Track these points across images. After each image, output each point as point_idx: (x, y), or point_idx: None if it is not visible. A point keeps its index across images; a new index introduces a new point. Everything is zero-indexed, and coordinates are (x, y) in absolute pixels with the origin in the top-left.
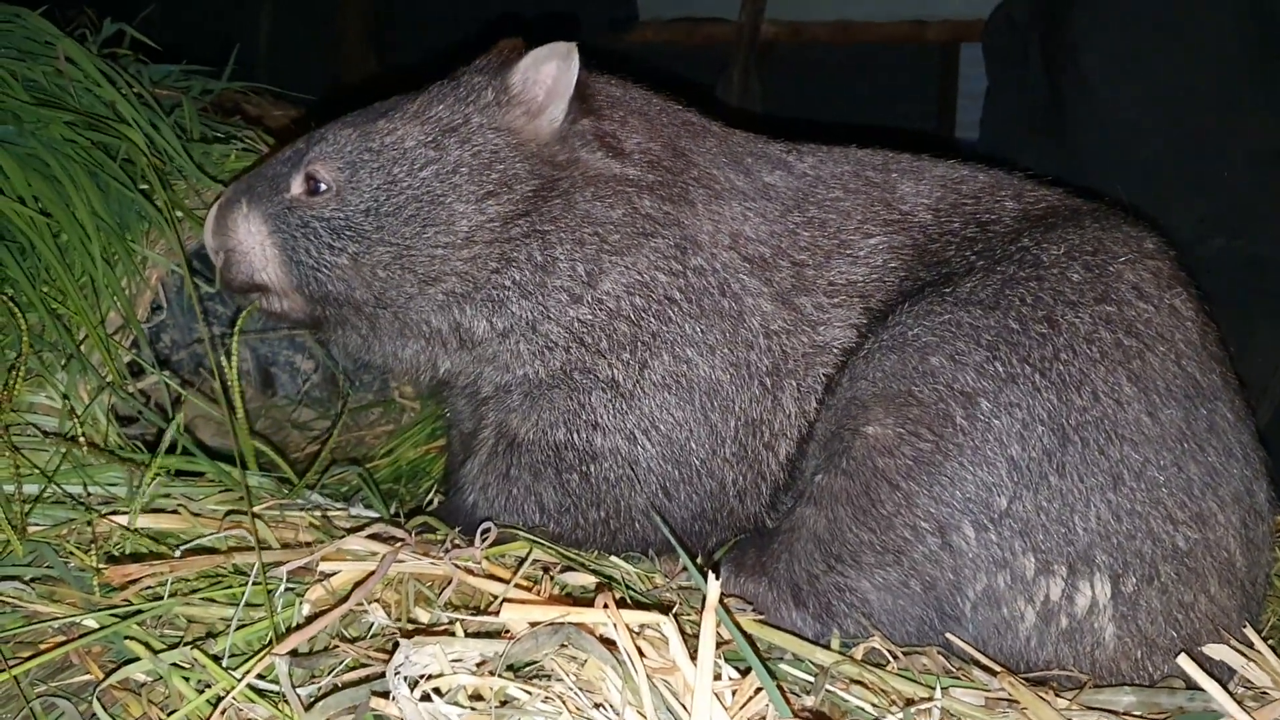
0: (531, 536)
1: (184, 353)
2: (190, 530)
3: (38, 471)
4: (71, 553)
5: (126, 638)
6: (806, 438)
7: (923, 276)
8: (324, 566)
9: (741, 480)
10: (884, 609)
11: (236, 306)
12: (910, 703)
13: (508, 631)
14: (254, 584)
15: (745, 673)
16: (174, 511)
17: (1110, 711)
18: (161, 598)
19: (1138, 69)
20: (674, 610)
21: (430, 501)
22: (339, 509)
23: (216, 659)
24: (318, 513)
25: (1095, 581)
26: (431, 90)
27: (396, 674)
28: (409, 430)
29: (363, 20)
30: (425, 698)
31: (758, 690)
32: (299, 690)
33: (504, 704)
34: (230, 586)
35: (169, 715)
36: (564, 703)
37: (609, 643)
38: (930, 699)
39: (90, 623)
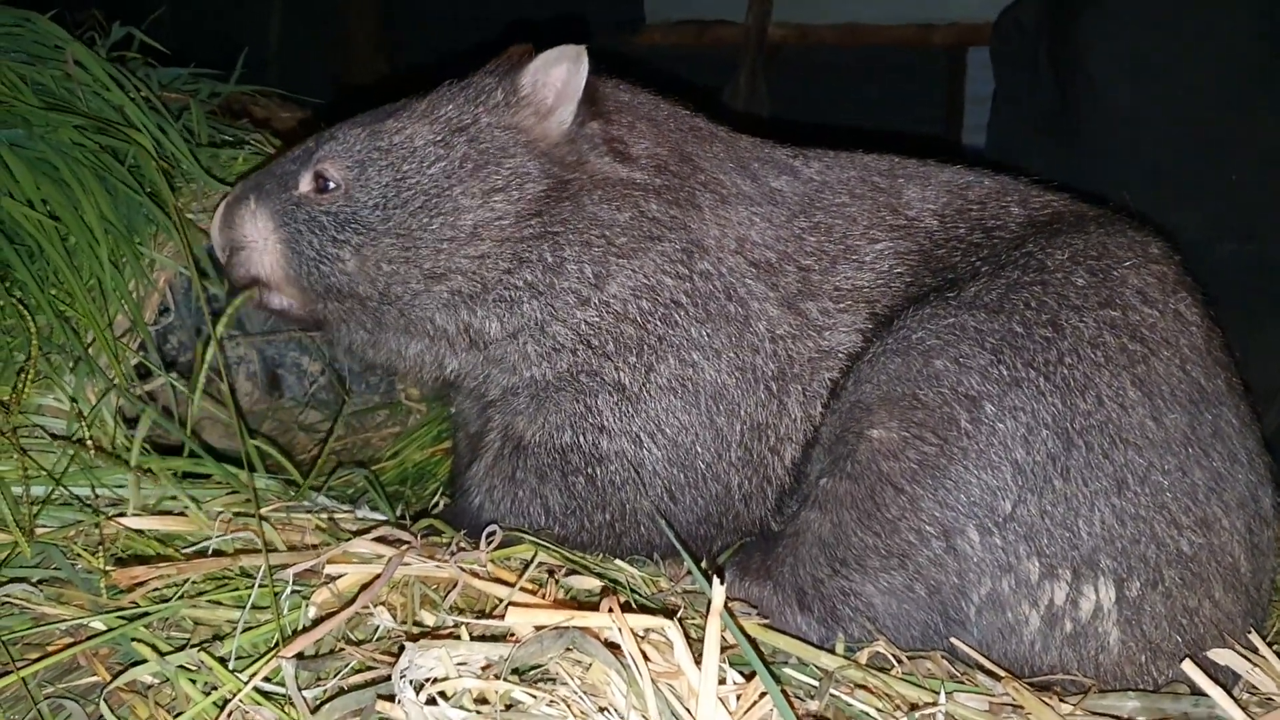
0: (537, 539)
1: (191, 354)
2: (197, 532)
3: (45, 473)
4: (79, 555)
5: (133, 640)
6: (812, 442)
7: (928, 282)
8: (330, 569)
9: (747, 484)
10: (888, 613)
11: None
12: (915, 707)
13: (513, 635)
14: (260, 587)
15: (750, 677)
16: (180, 513)
17: (1115, 717)
18: (169, 600)
19: (1146, 72)
20: (679, 614)
21: (436, 504)
22: (345, 511)
23: (223, 661)
24: (324, 515)
25: (1100, 586)
26: (440, 91)
27: (402, 677)
28: (415, 432)
29: (369, 22)
30: (431, 701)
31: (762, 695)
32: (305, 693)
33: (509, 707)
34: (237, 589)
35: (176, 717)
36: (569, 706)
37: (614, 647)
38: (934, 704)
39: (98, 624)
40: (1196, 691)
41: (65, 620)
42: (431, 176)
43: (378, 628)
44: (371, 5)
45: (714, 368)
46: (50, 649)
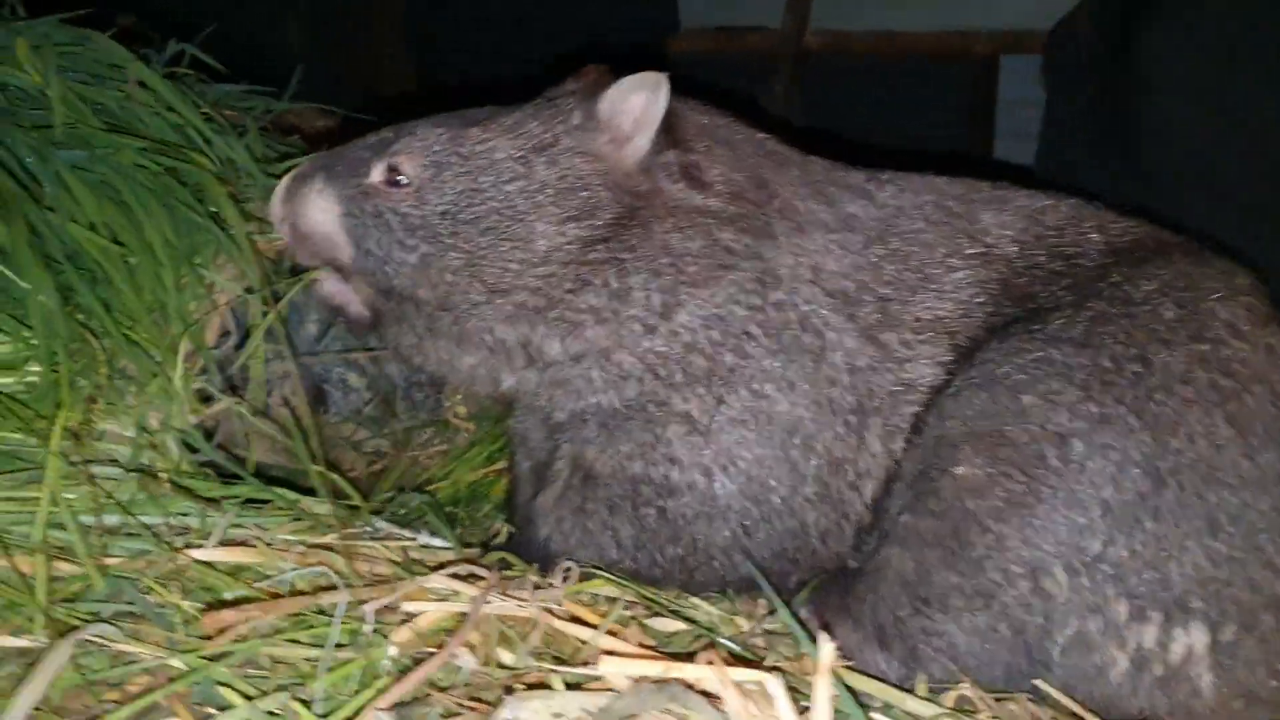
0: (611, 575)
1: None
2: (267, 564)
3: (114, 503)
4: (151, 588)
5: (219, 683)
6: (893, 477)
7: (1009, 312)
8: (408, 606)
9: (824, 521)
10: (971, 653)
11: (303, 326)
12: None
13: (601, 680)
14: (340, 624)
15: None
16: (246, 543)
17: None
18: (245, 637)
19: (1209, 93)
20: (766, 659)
21: (498, 532)
22: (407, 538)
23: (306, 704)
24: (391, 543)
25: (1191, 629)
26: (526, 108)
27: None
28: (466, 452)
29: (396, 31)
30: None
31: None
32: None
33: None
34: (313, 626)
35: None
36: None
37: (708, 694)
38: None
39: (177, 664)
40: None
41: (145, 660)
42: (507, 195)
43: (460, 669)
44: (397, 13)
45: (788, 400)
46: (130, 689)
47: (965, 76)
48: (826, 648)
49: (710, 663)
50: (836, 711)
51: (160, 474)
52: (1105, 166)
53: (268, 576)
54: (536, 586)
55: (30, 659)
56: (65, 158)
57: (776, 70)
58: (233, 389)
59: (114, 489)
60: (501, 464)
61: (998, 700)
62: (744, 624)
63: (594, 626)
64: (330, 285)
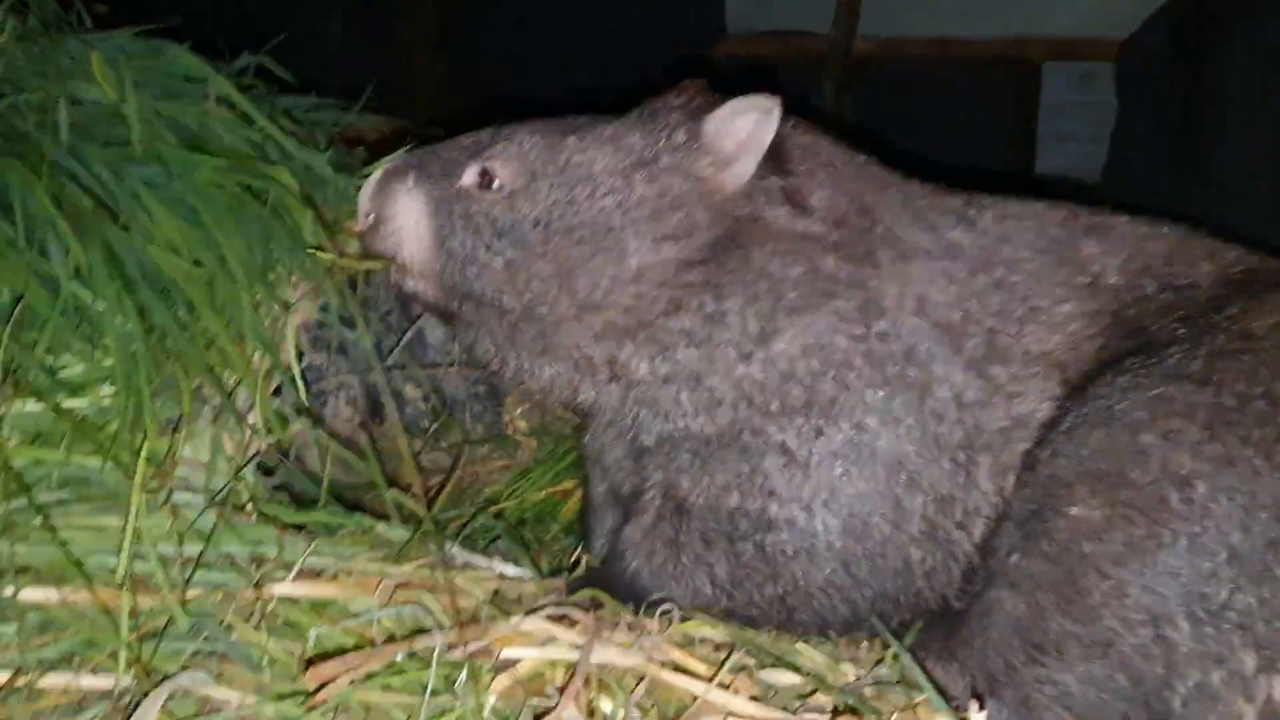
0: (710, 617)
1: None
2: (351, 599)
3: (195, 533)
4: (234, 625)
5: None
6: (1002, 516)
7: (1120, 346)
8: (505, 652)
9: (930, 560)
10: (1087, 702)
11: (378, 340)
12: None
13: None
14: (436, 669)
15: None
16: (325, 572)
17: None
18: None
19: None
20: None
21: (570, 554)
22: (490, 569)
23: None
24: (473, 572)
25: None
26: (626, 120)
27: None
28: (531, 470)
29: (431, 39)
30: None
31: None
32: None
33: None
34: (404, 670)
35: None
36: None
37: None
38: None
39: (269, 712)
40: None
41: (235, 708)
42: (603, 209)
43: None
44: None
45: (892, 435)
46: None
47: (1010, 83)
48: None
49: None
50: None
51: (236, 501)
52: (1176, 178)
53: (353, 615)
54: (629, 627)
55: (113, 700)
56: (142, 176)
57: (825, 76)
58: (305, 409)
59: (192, 517)
60: (569, 484)
61: None
62: (850, 671)
63: (703, 678)
64: (408, 279)
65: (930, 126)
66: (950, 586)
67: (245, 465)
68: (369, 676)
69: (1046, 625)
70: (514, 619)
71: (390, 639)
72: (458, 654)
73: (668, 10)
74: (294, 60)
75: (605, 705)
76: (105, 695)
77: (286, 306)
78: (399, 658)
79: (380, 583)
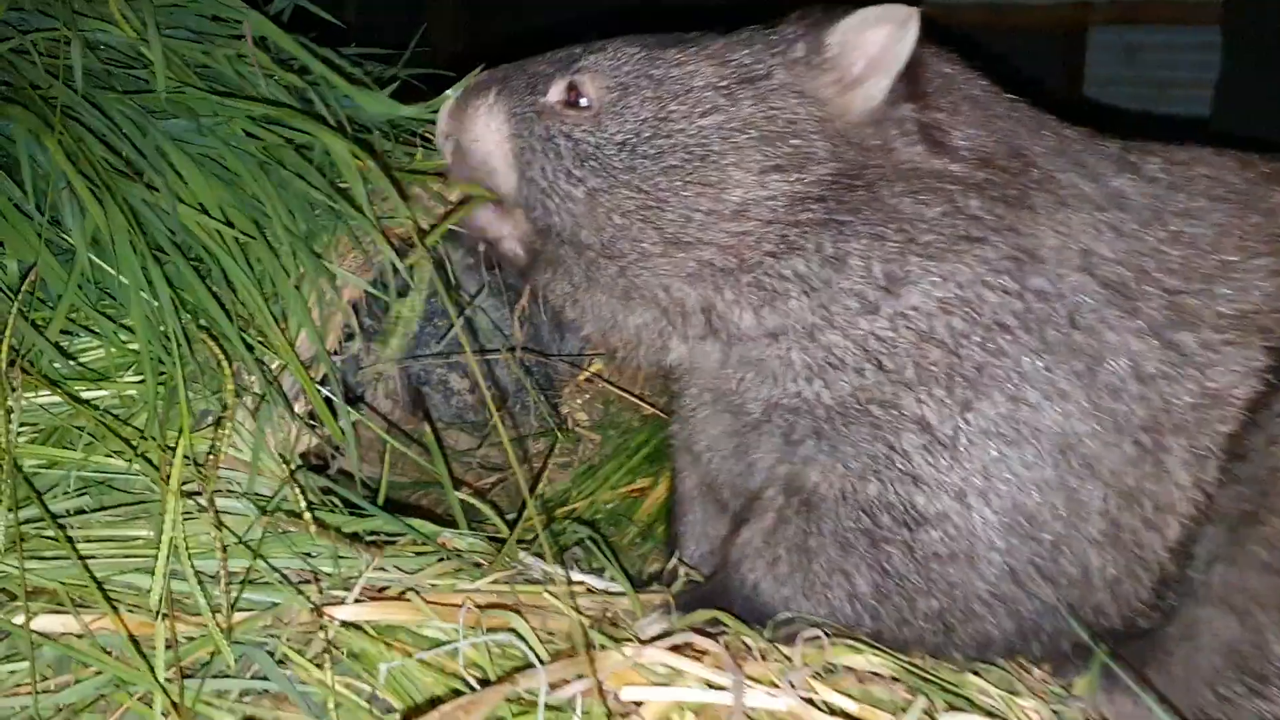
0: (864, 641)
1: (378, 385)
2: (424, 623)
3: (240, 545)
4: (288, 656)
5: None
6: (1203, 515)
7: None
8: (625, 694)
9: (1113, 567)
10: None
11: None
12: None
13: None
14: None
15: None
16: (385, 590)
17: None
18: None
19: None
20: None
21: (644, 557)
22: (570, 580)
23: None
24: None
25: None
26: (738, 33)
27: None
28: (601, 466)
29: None
30: None
31: None
32: None
33: None
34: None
35: None
36: None
37: None
38: None
39: None
40: None
41: None
42: (701, 130)
43: None
44: None
45: (1059, 411)
46: None
47: (1056, 55)
48: None
49: None
50: None
51: (284, 507)
52: None
53: (429, 643)
54: (762, 655)
55: None
56: (168, 128)
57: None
58: (359, 399)
59: (235, 525)
60: (643, 481)
61: None
62: (1030, 708)
63: None
64: (486, 215)
65: None
66: (1139, 600)
67: (297, 466)
68: None
69: (1269, 650)
70: (627, 649)
71: (475, 672)
72: (566, 693)
73: None
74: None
75: None
76: None
77: (334, 280)
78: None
79: (462, 603)
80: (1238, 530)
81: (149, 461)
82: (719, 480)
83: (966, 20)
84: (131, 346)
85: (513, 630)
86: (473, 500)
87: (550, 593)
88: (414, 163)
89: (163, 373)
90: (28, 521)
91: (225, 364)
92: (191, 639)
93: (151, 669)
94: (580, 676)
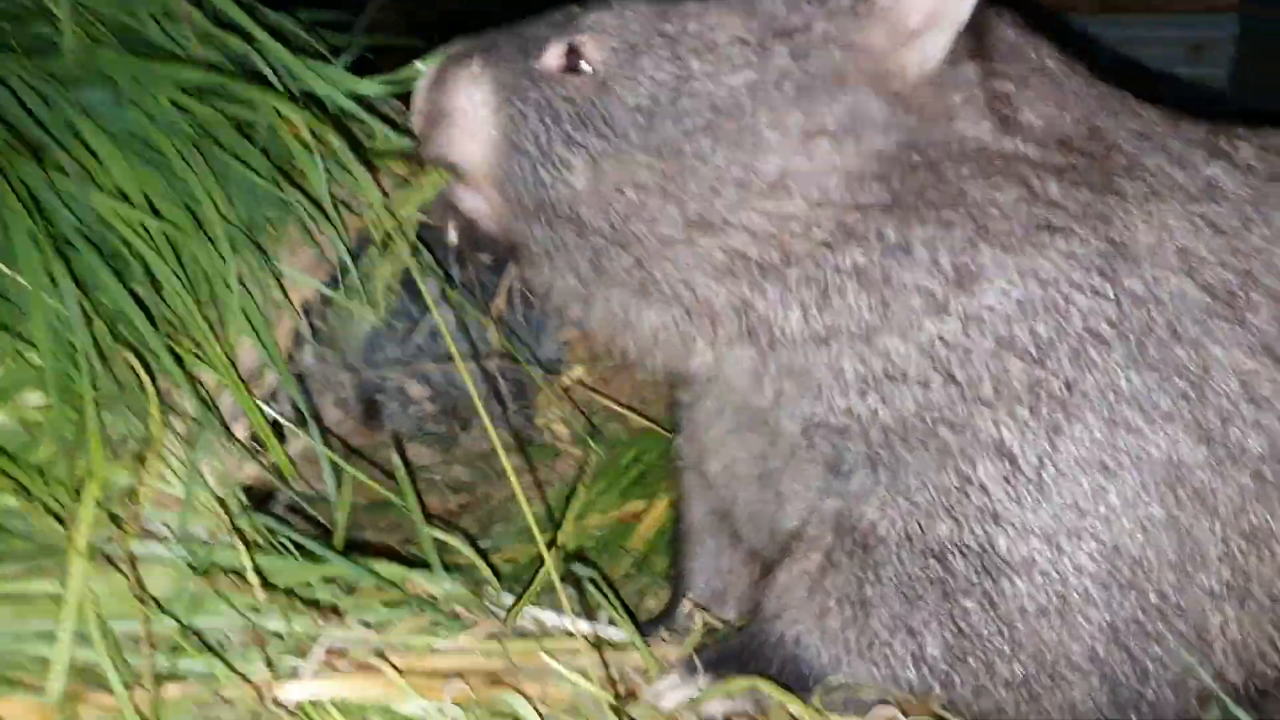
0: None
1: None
2: (396, 698)
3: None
4: None
5: None
6: None
7: None
8: None
9: (1235, 627)
10: None
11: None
12: None
13: None
14: None
15: None
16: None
17: None
18: None
19: None
20: None
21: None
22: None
23: None
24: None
25: None
26: None
27: None
28: (591, 485)
29: None
30: None
31: None
32: None
33: None
34: None
35: None
36: None
37: None
38: None
39: None
40: None
41: None
42: (731, 90)
43: None
44: None
45: (1164, 437)
46: None
47: None
48: None
49: None
50: None
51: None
52: None
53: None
54: None
55: None
56: (81, 98)
57: None
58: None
59: (161, 578)
60: (637, 504)
61: None
62: None
63: None
64: (461, 189)
65: None
66: (1267, 664)
67: (242, 506)
68: None
69: None
70: None
71: None
72: None
73: None
74: None
75: None
76: None
77: (282, 279)
78: None
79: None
80: None
81: (54, 501)
82: (737, 511)
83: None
84: (35, 362)
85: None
86: (448, 538)
87: (549, 651)
88: (374, 146)
89: (72, 393)
90: None
91: (149, 382)
92: None
93: None
94: None
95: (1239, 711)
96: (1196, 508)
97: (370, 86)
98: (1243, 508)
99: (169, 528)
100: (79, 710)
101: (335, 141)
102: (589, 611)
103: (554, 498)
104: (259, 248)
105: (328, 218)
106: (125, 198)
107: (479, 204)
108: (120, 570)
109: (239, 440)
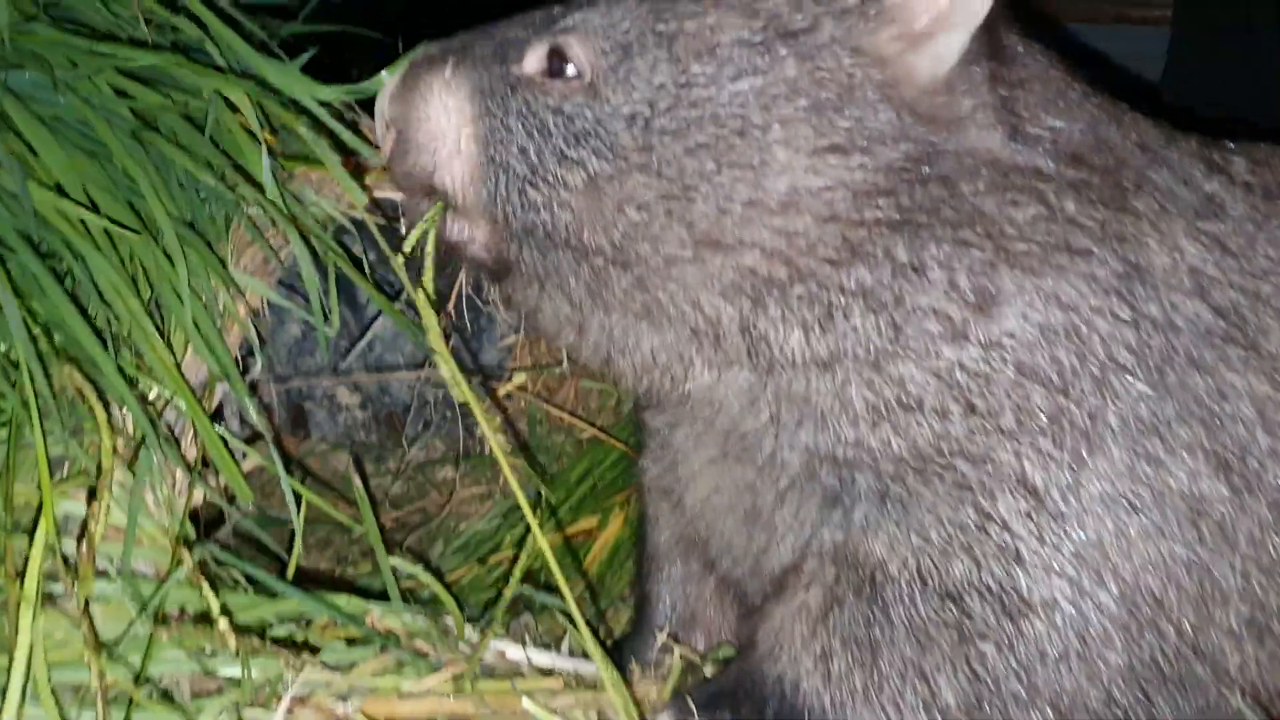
0: None
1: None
2: None
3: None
4: None
5: None
6: None
7: None
8: None
9: (1254, 667)
10: None
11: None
12: None
13: None
14: None
15: None
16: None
17: None
18: None
19: None
20: None
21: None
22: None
23: None
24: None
25: None
26: None
27: None
28: (536, 503)
29: None
30: None
31: None
32: None
33: None
34: None
35: None
36: None
37: None
38: None
39: None
40: None
41: None
42: (735, 97)
43: None
44: None
45: (1185, 470)
46: None
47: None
48: None
49: None
50: None
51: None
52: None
53: None
54: None
55: None
56: (12, 82)
57: None
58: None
59: (107, 620)
60: (587, 521)
61: None
62: None
63: None
64: (453, 222)
65: None
66: None
67: (192, 540)
68: None
69: None
70: None
71: None
72: None
73: None
74: None
75: None
76: None
77: (231, 283)
78: None
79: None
80: None
81: None
82: (715, 542)
83: None
84: None
85: None
86: (414, 569)
87: (525, 692)
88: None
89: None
90: None
91: (90, 394)
92: None
93: None
94: None
95: None
96: (1217, 542)
97: (330, 92)
98: (1262, 540)
99: (111, 561)
100: None
101: (302, 130)
102: (554, 641)
103: (497, 512)
104: (210, 248)
105: (283, 214)
106: (62, 192)
107: (461, 228)
108: (66, 614)
109: (186, 461)
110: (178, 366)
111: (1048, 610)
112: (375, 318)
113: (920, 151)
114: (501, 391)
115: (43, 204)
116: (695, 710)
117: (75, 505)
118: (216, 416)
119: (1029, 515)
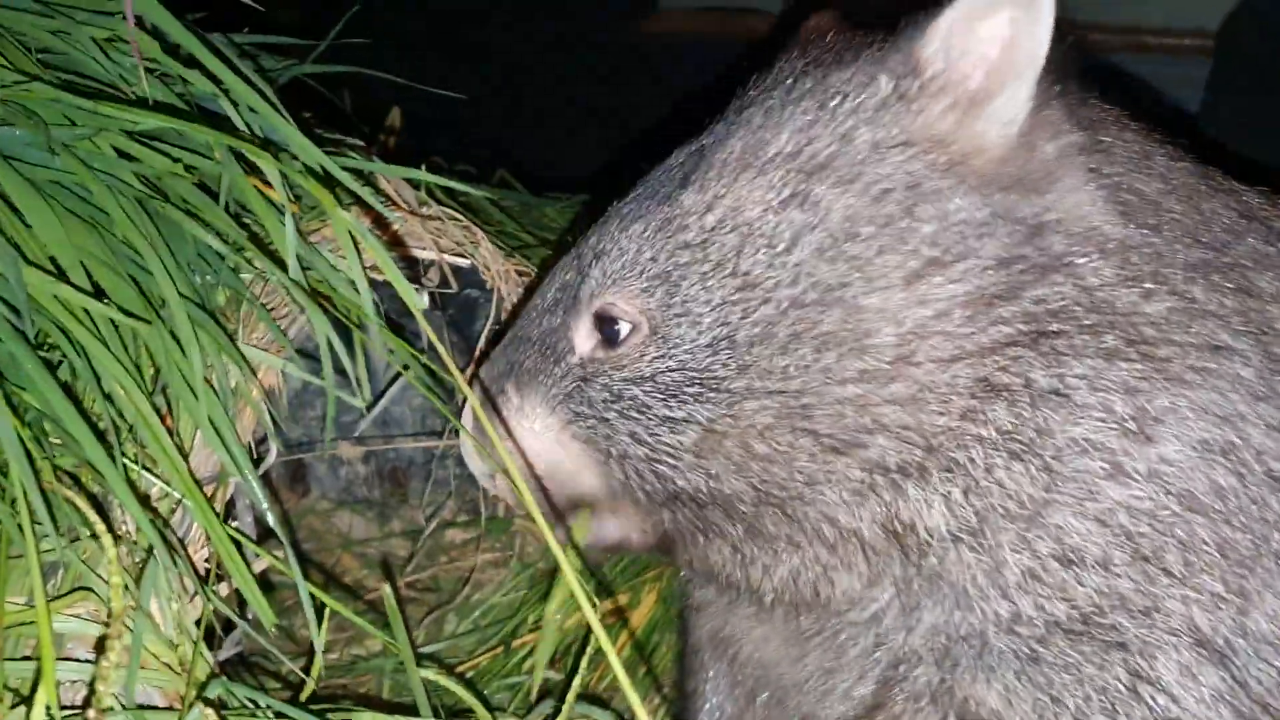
0: None
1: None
2: None
3: None
4: None
5: None
6: None
7: None
8: None
9: None
10: None
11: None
12: None
13: None
14: None
15: None
16: None
17: None
18: None
19: None
20: None
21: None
22: None
23: None
24: None
25: None
26: (752, 111)
27: None
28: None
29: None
30: None
31: None
32: None
33: None
34: None
35: None
36: None
37: None
38: None
39: None
40: None
41: None
42: (798, 267)
43: None
44: None
45: None
46: None
47: None
48: None
49: None
50: None
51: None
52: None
53: None
54: None
55: None
56: (3, 143)
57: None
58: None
59: None
60: (619, 597)
61: None
62: None
63: None
64: (603, 523)
65: None
66: None
67: (210, 675)
68: None
69: None
70: None
71: None
72: None
73: None
74: None
75: None
76: None
77: (243, 361)
78: None
79: None
80: None
81: None
82: (761, 691)
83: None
84: None
85: None
86: (446, 680)
87: None
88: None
89: None
90: None
91: (81, 501)
92: None
93: None
94: None
95: None
96: None
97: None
98: None
99: (116, 696)
100: None
101: (353, 220)
102: None
103: (516, 582)
104: (221, 327)
105: (304, 291)
106: (58, 269)
107: (613, 526)
108: None
109: (197, 571)
110: (186, 462)
111: None
112: (393, 380)
113: (1024, 232)
114: None
115: (35, 285)
116: None
117: (68, 623)
118: (228, 510)
119: (1189, 671)
